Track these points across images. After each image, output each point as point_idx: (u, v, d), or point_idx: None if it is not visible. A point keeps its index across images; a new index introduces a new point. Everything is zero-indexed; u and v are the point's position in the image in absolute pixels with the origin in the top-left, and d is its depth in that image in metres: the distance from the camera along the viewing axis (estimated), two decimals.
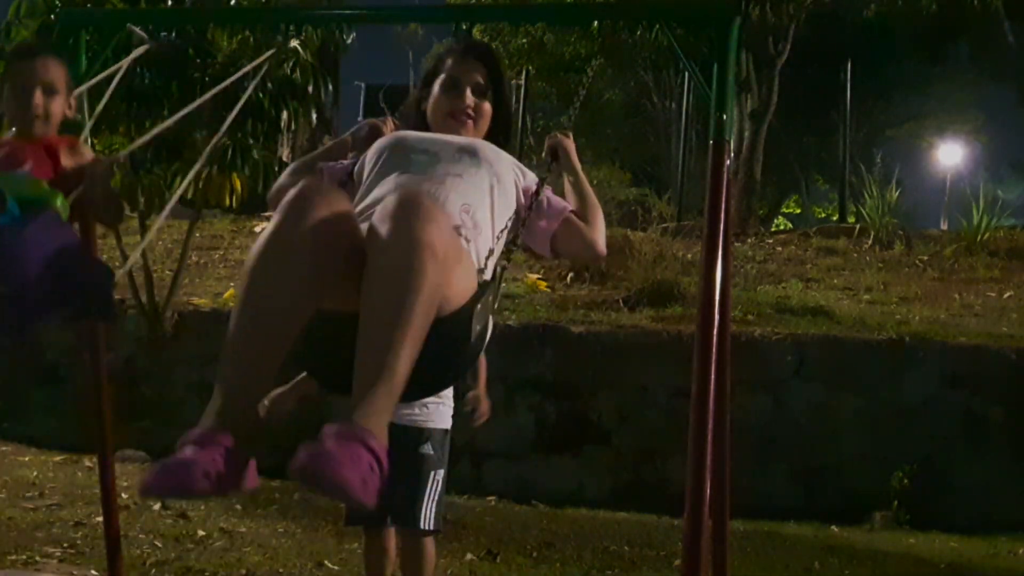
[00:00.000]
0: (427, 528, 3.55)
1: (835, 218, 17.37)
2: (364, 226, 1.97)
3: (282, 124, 6.57)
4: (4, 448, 7.36)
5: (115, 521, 3.93)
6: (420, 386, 2.04)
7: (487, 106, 2.62)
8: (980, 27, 17.76)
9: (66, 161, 2.90)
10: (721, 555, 3.31)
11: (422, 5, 6.33)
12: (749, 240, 10.69)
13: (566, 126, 2.92)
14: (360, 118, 14.50)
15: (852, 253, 10.03)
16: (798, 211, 24.86)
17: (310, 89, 6.30)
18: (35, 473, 6.59)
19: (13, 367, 7.99)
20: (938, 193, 21.93)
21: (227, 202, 6.63)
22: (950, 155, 21.75)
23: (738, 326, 6.69)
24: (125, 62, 3.28)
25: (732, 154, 3.03)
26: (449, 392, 3.60)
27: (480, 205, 2.34)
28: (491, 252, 2.32)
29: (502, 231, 2.41)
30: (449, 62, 2.63)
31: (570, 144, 2.74)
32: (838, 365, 6.77)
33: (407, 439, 3.49)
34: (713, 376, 2.58)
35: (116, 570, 3.89)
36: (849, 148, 13.87)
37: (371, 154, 2.49)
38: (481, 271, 2.25)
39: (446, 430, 3.61)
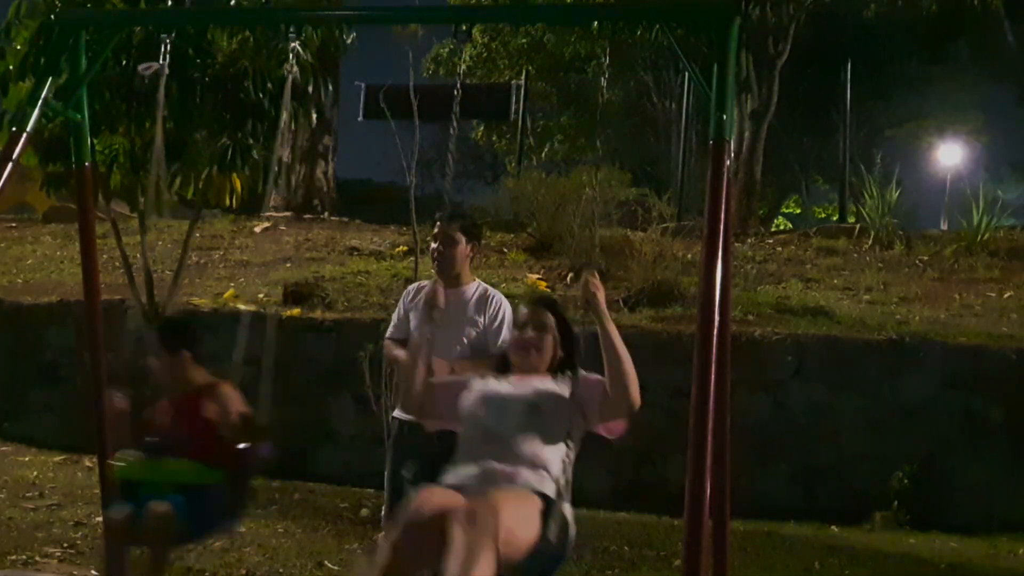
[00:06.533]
0: None
1: (835, 218, 17.38)
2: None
3: (282, 124, 6.56)
4: (4, 448, 7.37)
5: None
6: None
7: (549, 340, 3.29)
8: (980, 27, 17.74)
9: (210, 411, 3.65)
10: (721, 555, 3.32)
11: (422, 5, 6.33)
12: (749, 240, 10.69)
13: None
14: (360, 118, 14.45)
15: (852, 253, 10.02)
16: (798, 211, 24.82)
17: (310, 89, 6.28)
18: (35, 473, 6.59)
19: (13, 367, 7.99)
20: (938, 193, 21.86)
21: (227, 202, 6.63)
22: (950, 155, 21.67)
23: (738, 326, 6.69)
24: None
25: (732, 154, 3.03)
26: None
27: (546, 449, 3.09)
28: (560, 474, 3.07)
29: (568, 453, 3.15)
30: (522, 308, 3.40)
31: (600, 292, 3.17)
32: (838, 365, 6.77)
33: (454, 446, 3.69)
34: (713, 376, 2.59)
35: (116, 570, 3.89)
36: (849, 148, 13.87)
37: (463, 410, 3.23)
38: (546, 495, 2.96)
39: None
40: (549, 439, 3.13)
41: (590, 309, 3.18)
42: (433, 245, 4.01)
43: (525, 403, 3.17)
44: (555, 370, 3.31)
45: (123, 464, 3.67)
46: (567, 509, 3.03)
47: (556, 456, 3.11)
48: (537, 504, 2.94)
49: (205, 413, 3.65)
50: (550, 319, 3.34)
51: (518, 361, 3.32)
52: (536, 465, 3.06)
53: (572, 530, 3.03)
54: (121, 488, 3.67)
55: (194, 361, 3.81)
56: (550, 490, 3.01)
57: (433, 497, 2.92)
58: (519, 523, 2.83)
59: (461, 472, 3.11)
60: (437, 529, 2.76)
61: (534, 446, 3.10)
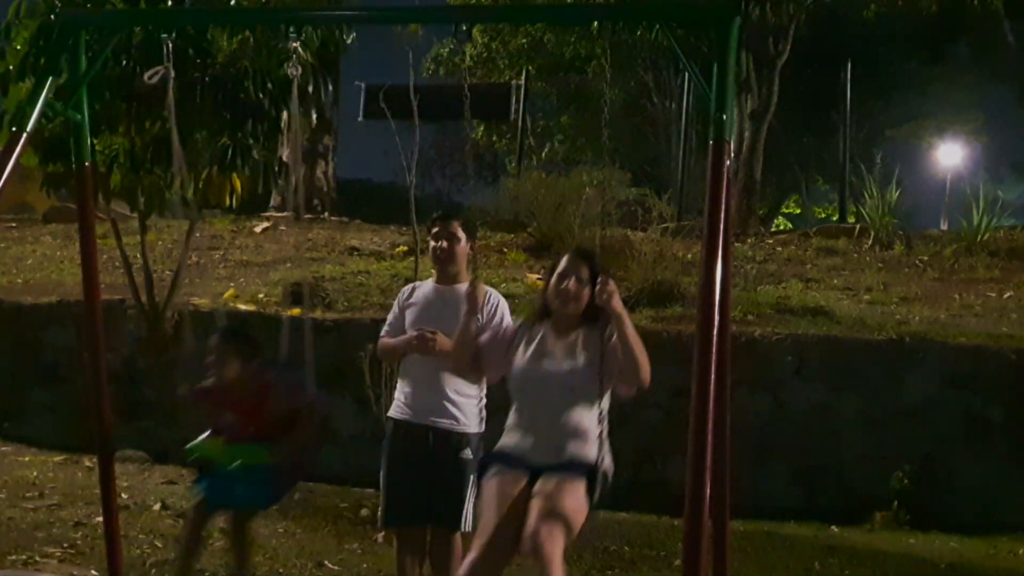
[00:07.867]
0: (467, 530, 3.66)
1: (835, 218, 17.36)
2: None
3: (282, 124, 6.56)
4: (4, 448, 7.37)
5: (115, 521, 3.95)
6: None
7: (587, 292, 3.57)
8: (980, 27, 17.75)
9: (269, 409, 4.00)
10: (721, 555, 3.32)
11: (422, 5, 6.34)
12: (749, 240, 10.69)
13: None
14: (360, 118, 14.46)
15: (852, 253, 10.03)
16: (798, 211, 24.80)
17: (310, 89, 6.28)
18: (35, 473, 6.59)
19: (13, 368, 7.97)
20: (938, 193, 21.86)
21: (227, 202, 6.62)
22: (950, 155, 21.66)
23: (738, 326, 6.69)
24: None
25: (732, 154, 3.04)
26: (482, 391, 3.76)
27: (589, 418, 3.47)
28: (599, 434, 3.46)
29: (604, 410, 3.51)
30: (564, 259, 3.66)
31: (616, 298, 3.44)
32: (838, 365, 6.77)
33: (448, 445, 3.82)
34: (713, 376, 2.59)
35: (116, 570, 3.90)
36: (849, 148, 13.87)
37: (513, 376, 3.59)
38: (590, 468, 3.38)
39: (480, 433, 3.79)
40: (588, 406, 3.48)
41: (608, 310, 3.44)
42: (434, 243, 4.03)
43: (565, 380, 3.51)
44: (586, 316, 3.62)
45: (198, 445, 4.05)
46: (608, 462, 3.43)
47: (594, 418, 3.49)
48: (582, 485, 3.35)
49: (266, 410, 3.98)
50: (587, 272, 3.63)
51: (559, 308, 3.63)
52: (579, 433, 3.45)
53: (610, 474, 3.44)
54: (198, 468, 4.08)
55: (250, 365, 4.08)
56: (592, 454, 3.42)
57: (507, 491, 3.32)
58: (576, 511, 3.29)
59: (518, 442, 3.50)
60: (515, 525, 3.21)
61: (576, 416, 3.47)
